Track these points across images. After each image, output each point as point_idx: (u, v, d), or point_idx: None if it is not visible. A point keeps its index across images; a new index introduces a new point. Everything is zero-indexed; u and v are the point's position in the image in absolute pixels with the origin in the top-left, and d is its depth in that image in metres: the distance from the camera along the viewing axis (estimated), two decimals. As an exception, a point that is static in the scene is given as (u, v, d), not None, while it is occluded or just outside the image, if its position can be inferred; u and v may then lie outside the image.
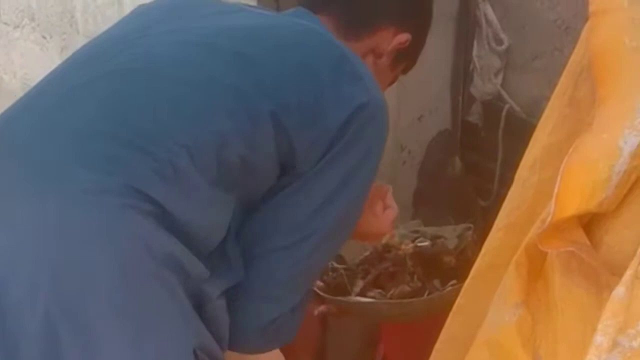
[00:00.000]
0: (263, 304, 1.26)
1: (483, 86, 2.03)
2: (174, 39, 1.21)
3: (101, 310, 1.03)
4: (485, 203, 2.10)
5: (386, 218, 1.48)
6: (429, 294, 1.71)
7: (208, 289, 1.16)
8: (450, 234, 1.88)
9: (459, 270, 1.73)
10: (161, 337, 1.07)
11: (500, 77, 2.02)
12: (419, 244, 1.80)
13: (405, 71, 1.46)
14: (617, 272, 1.01)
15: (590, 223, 1.16)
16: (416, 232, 1.86)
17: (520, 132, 2.03)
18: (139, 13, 1.33)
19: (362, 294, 1.73)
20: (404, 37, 1.36)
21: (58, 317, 1.02)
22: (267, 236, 1.24)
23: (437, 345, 1.46)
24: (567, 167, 1.04)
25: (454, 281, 1.72)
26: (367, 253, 1.83)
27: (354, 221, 1.30)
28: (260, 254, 1.24)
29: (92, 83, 1.16)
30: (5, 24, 3.21)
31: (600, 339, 0.92)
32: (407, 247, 1.77)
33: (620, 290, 0.95)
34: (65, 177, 1.06)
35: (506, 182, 1.97)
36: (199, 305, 1.16)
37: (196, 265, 1.13)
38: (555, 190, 1.04)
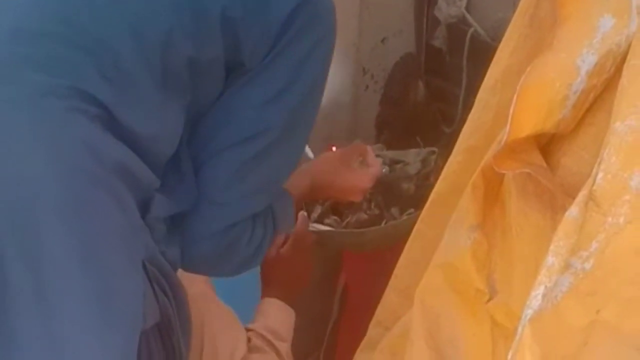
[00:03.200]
0: (214, 207, 1.22)
1: (447, 8, 1.98)
2: None
3: (47, 221, 0.99)
4: (450, 129, 2.08)
5: (365, 172, 1.47)
6: (386, 223, 1.69)
7: (154, 206, 1.13)
8: (414, 158, 1.85)
9: (419, 198, 1.71)
10: (109, 248, 1.04)
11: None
12: None
13: None
14: (574, 194, 1.00)
15: (547, 145, 1.14)
16: (377, 157, 1.83)
17: (484, 56, 2.00)
18: None
19: (319, 220, 1.71)
20: None
21: (2, 229, 0.97)
22: (216, 136, 1.20)
23: (396, 271, 1.45)
24: (523, 87, 1.02)
25: (411, 210, 1.70)
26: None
27: (306, 123, 1.27)
28: (209, 156, 1.20)
29: None
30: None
31: (552, 260, 0.91)
32: None
33: (573, 210, 0.93)
34: (8, 78, 1.02)
35: (471, 107, 1.94)
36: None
37: (146, 173, 1.09)
38: (511, 110, 1.01)
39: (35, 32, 1.05)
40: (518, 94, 1.01)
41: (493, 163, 1.05)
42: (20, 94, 1.01)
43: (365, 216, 1.71)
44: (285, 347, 1.55)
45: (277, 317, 1.57)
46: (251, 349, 1.50)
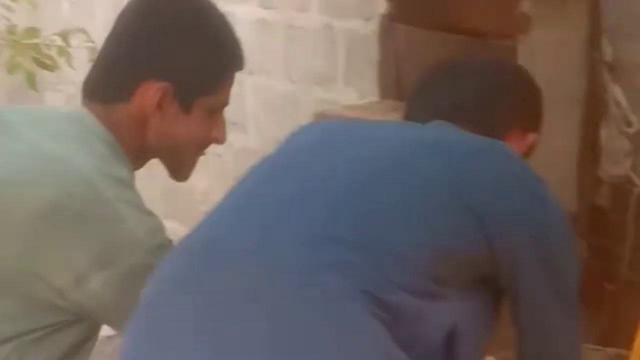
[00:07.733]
0: None
1: (611, 169, 1.99)
2: (379, 144, 1.24)
3: None
4: (613, 287, 2.04)
5: None
6: None
7: None
8: None
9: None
10: None
11: (630, 160, 1.98)
12: None
13: None
14: None
15: None
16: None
17: (651, 215, 1.98)
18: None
19: None
20: (532, 137, 1.40)
21: None
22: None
23: None
24: None
25: None
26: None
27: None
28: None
29: (306, 189, 1.18)
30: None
31: None
32: None
33: None
34: (305, 281, 1.09)
35: (636, 267, 1.90)
36: None
37: None
38: None
39: (329, 237, 1.12)
40: None
41: None
42: (316, 296, 1.08)
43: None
44: None
45: None
46: None
